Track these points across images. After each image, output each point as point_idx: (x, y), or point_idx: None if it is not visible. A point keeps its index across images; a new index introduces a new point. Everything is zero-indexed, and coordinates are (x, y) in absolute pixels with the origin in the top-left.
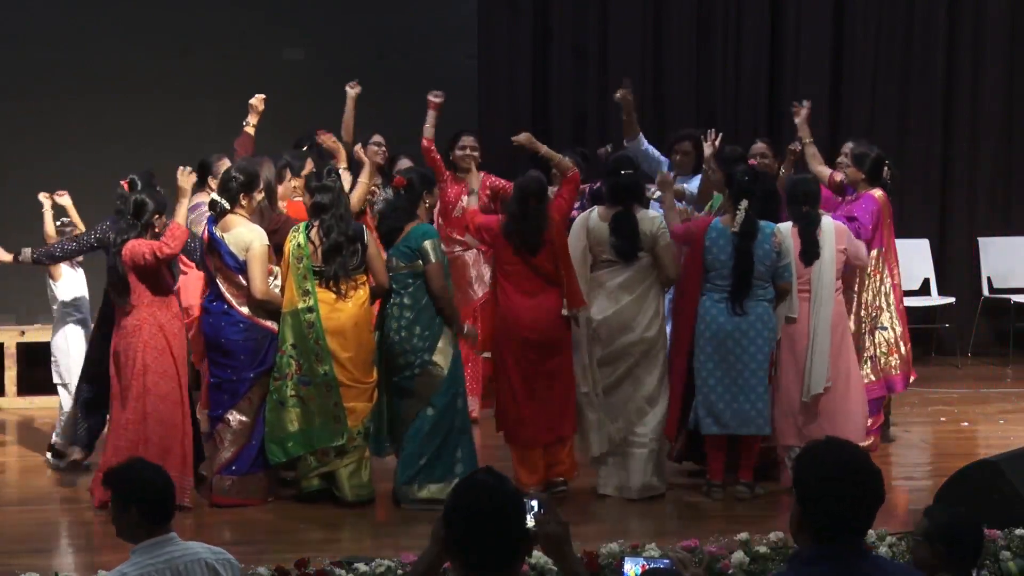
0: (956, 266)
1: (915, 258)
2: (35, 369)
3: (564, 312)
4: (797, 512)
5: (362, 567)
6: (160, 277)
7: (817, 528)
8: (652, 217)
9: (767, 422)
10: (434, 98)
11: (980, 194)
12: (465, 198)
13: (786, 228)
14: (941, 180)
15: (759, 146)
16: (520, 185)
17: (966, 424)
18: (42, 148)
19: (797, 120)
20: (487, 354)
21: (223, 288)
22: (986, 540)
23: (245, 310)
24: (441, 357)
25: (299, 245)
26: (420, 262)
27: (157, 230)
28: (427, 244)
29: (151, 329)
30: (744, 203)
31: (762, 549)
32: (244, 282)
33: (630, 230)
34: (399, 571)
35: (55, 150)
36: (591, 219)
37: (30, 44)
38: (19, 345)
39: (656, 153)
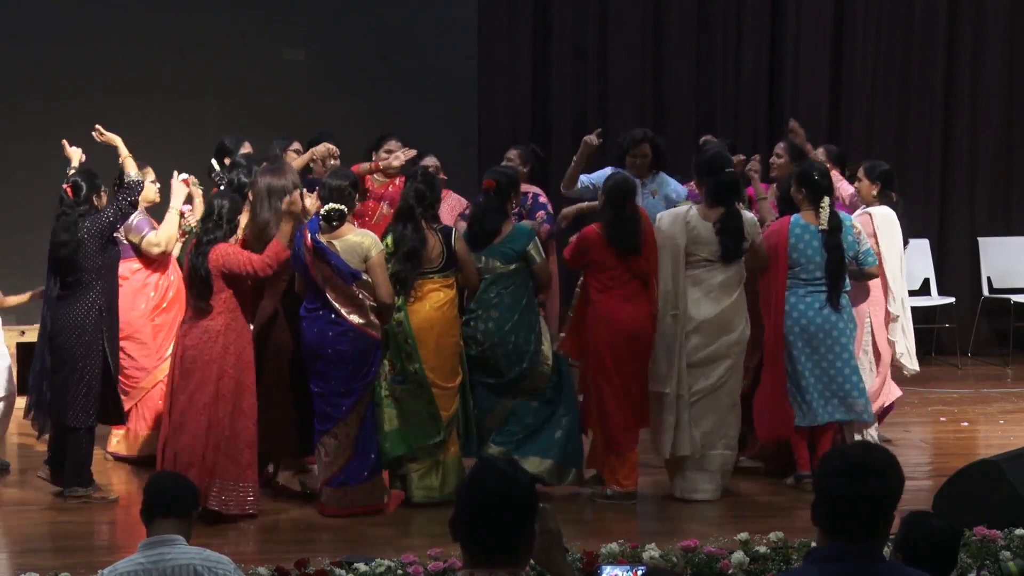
0: (956, 266)
1: (915, 258)
2: None
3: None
4: (813, 508)
5: (362, 567)
6: (246, 284)
7: (822, 525)
8: (749, 217)
9: (867, 408)
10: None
11: (980, 194)
12: (385, 205)
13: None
14: (941, 180)
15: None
16: (612, 187)
17: (966, 424)
18: (42, 148)
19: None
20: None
21: (331, 297)
22: (986, 540)
23: (354, 318)
24: (546, 354)
25: (387, 246)
26: (515, 265)
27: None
28: (531, 245)
29: (232, 335)
30: (826, 200)
31: (762, 549)
32: (356, 291)
33: (738, 231)
34: (399, 571)
35: (55, 150)
36: (690, 216)
37: (30, 44)
38: (19, 345)
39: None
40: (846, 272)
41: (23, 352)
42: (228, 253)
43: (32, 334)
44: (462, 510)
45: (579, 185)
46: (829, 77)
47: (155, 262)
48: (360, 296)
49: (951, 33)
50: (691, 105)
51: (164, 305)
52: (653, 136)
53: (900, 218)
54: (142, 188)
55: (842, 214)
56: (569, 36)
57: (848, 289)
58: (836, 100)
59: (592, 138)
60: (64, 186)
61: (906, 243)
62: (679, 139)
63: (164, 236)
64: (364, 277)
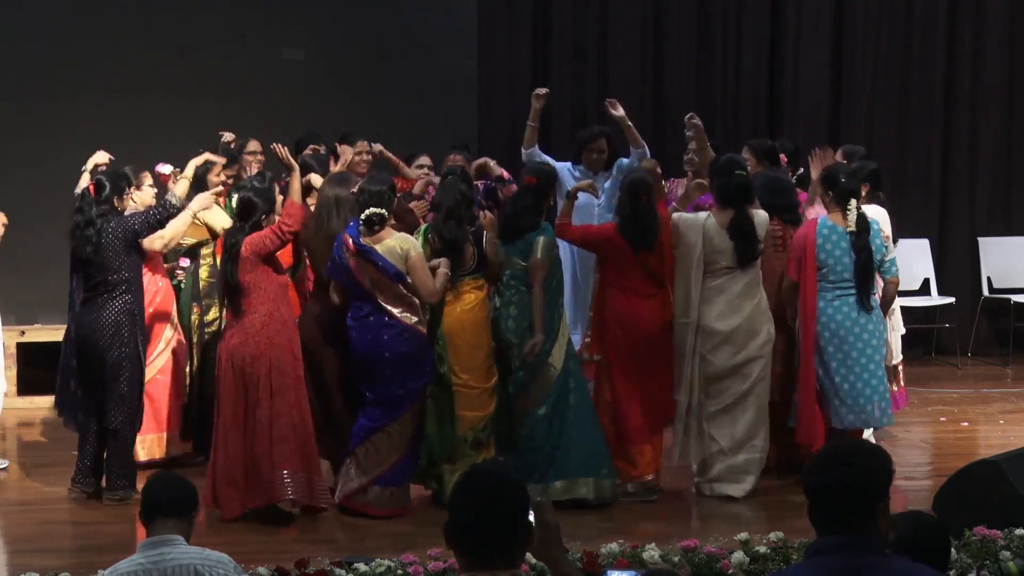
0: (956, 266)
1: (915, 258)
2: (35, 369)
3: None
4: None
5: (362, 567)
6: (277, 266)
7: (810, 520)
8: (763, 217)
9: (885, 412)
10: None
11: (980, 194)
12: None
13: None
14: (941, 180)
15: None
16: (630, 184)
17: (966, 424)
18: (42, 148)
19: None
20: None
21: (381, 300)
22: (986, 540)
23: (407, 318)
24: (557, 357)
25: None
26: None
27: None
28: (540, 239)
29: (276, 326)
30: (853, 201)
31: (762, 549)
32: (404, 291)
33: (750, 233)
34: (399, 571)
35: (55, 150)
36: (708, 226)
37: (30, 44)
38: (19, 345)
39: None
40: (874, 273)
41: (23, 352)
42: (253, 240)
43: (32, 334)
44: (455, 516)
45: (535, 152)
46: (829, 77)
47: (151, 260)
48: (408, 295)
49: (951, 33)
50: (691, 105)
51: (150, 310)
52: (610, 132)
53: (889, 216)
54: (177, 214)
55: (870, 219)
56: (569, 36)
57: (877, 291)
58: (836, 100)
59: (541, 90)
60: (89, 183)
61: (895, 242)
62: (679, 139)
63: (171, 231)
64: (410, 280)
